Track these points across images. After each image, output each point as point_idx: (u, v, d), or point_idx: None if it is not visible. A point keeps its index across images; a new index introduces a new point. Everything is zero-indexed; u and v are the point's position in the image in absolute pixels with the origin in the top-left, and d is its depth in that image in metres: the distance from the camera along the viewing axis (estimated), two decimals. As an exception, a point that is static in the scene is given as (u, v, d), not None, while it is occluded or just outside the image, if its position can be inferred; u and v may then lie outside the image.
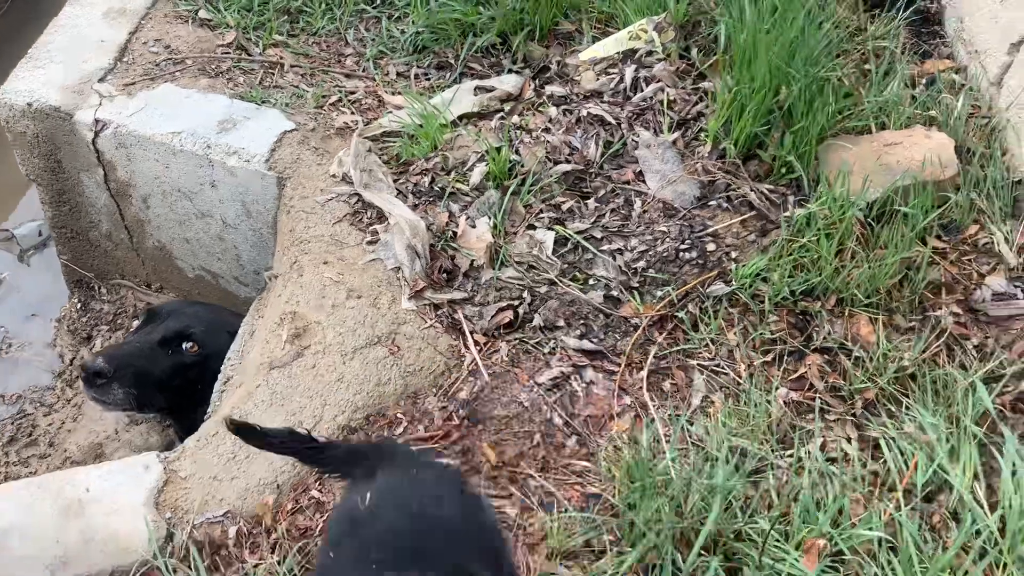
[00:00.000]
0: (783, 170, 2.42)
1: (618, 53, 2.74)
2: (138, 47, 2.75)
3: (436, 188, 2.40)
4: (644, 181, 2.44)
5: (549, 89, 2.71)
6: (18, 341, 3.03)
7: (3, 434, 2.72)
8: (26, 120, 2.53)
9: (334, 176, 2.39)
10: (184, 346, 2.27)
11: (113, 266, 2.95)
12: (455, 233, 2.28)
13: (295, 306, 2.06)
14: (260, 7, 2.94)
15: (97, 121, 2.49)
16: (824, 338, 2.14)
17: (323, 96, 2.69)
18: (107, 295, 3.00)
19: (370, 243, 2.23)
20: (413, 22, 2.93)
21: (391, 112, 2.65)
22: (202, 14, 2.91)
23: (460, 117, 2.60)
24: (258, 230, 2.55)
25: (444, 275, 2.18)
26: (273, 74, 2.76)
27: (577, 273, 2.24)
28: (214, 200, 2.53)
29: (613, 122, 2.56)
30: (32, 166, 2.66)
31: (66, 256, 2.96)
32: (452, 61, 2.86)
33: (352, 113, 2.66)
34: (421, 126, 2.53)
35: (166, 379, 2.25)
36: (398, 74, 2.85)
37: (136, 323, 2.58)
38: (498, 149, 2.42)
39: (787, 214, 2.32)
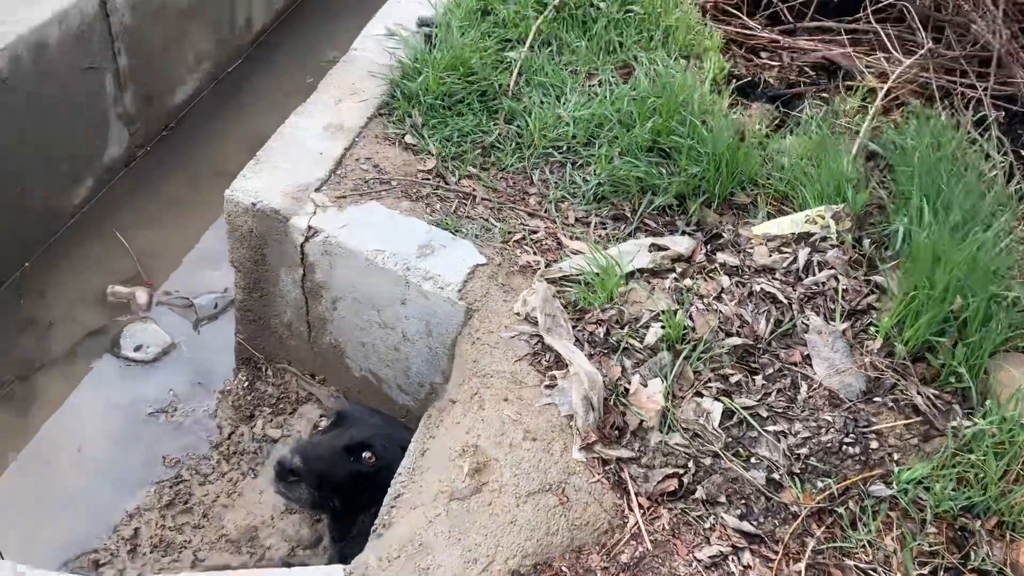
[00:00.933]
0: (951, 378, 2.46)
1: (792, 233, 2.87)
2: (351, 163, 3.02)
3: (611, 341, 2.53)
4: (811, 365, 2.51)
5: (721, 257, 2.84)
6: (183, 406, 3.25)
7: (161, 496, 2.90)
8: (247, 217, 2.79)
9: (518, 314, 2.55)
10: (364, 455, 2.42)
11: (284, 352, 3.17)
12: (627, 389, 2.39)
13: (476, 439, 2.19)
14: (459, 139, 3.20)
15: (309, 228, 2.73)
16: (983, 560, 2.14)
17: (509, 232, 2.88)
18: (273, 378, 3.20)
19: (548, 387, 2.36)
20: (595, 173, 3.13)
21: (569, 257, 2.82)
22: (408, 139, 3.18)
23: (634, 271, 2.75)
24: (434, 349, 2.72)
25: (615, 431, 2.29)
26: (466, 204, 2.98)
27: (740, 449, 2.31)
28: (400, 315, 2.72)
29: (784, 301, 2.66)
30: (239, 255, 2.92)
31: (243, 335, 3.19)
32: (628, 214, 3.04)
33: (534, 253, 2.84)
34: (599, 275, 2.69)
35: (343, 484, 2.40)
36: (577, 219, 3.04)
37: (324, 422, 2.75)
38: (673, 312, 2.54)
39: (954, 424, 2.35)
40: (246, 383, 3.19)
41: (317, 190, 2.86)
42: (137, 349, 3.40)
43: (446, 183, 3.05)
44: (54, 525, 2.83)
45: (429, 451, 2.32)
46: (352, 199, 2.88)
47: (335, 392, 3.13)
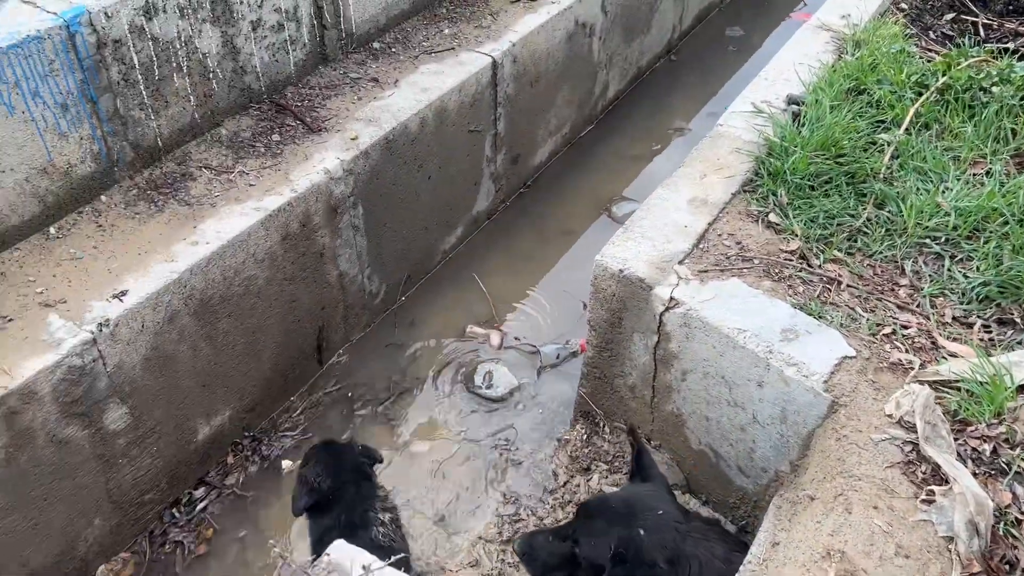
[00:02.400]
0: None
1: None
2: (714, 237, 3.06)
3: (999, 461, 2.29)
4: None
5: None
6: (523, 447, 3.47)
7: (501, 531, 3.11)
8: (612, 282, 2.94)
9: (889, 416, 2.41)
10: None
11: (622, 412, 3.27)
12: (1019, 519, 2.14)
13: (842, 544, 2.09)
14: (824, 220, 3.11)
15: (671, 299, 2.81)
16: None
17: (877, 325, 2.73)
18: (610, 435, 3.32)
19: (924, 501, 2.19)
20: (980, 270, 2.87)
21: (947, 360, 2.61)
22: (772, 217, 3.16)
23: (1025, 387, 2.47)
24: (785, 436, 2.65)
25: (1006, 565, 2.05)
26: (830, 290, 2.88)
27: None
28: (753, 397, 2.69)
29: None
30: (597, 316, 3.08)
31: (586, 390, 3.35)
32: (1018, 320, 2.74)
33: (905, 350, 2.66)
34: (985, 385, 2.45)
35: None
36: (954, 318, 2.80)
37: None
38: (1080, 442, 2.24)
39: None
40: (584, 436, 3.34)
41: (680, 262, 2.94)
42: (488, 387, 3.71)
43: (809, 266, 2.98)
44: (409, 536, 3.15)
45: (781, 545, 2.25)
46: (714, 274, 2.92)
47: (670, 460, 3.16)
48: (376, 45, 4.10)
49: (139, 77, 3.01)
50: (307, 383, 3.70)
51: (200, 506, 3.19)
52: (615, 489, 3.11)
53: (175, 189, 3.14)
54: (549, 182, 4.97)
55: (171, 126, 3.21)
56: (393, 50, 4.11)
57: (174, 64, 3.12)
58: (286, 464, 3.39)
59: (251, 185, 3.22)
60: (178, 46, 3.11)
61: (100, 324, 2.62)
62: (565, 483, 3.26)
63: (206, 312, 2.98)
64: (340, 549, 2.01)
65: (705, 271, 2.94)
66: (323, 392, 3.68)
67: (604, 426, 3.36)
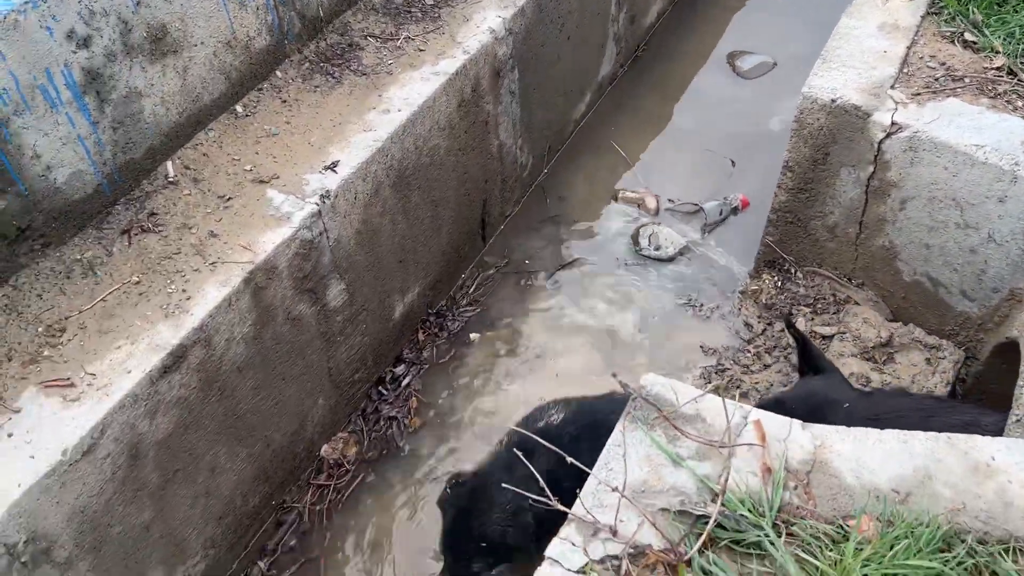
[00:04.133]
0: None
1: None
2: (915, 61, 2.93)
3: None
4: None
5: None
6: (707, 303, 3.44)
7: (709, 379, 3.10)
8: (822, 115, 2.83)
9: None
10: None
11: (815, 255, 3.21)
12: None
13: None
14: (1022, 34, 2.98)
15: (893, 123, 2.70)
16: None
17: (1111, 131, 2.63)
18: (803, 280, 3.27)
19: None
20: None
21: None
22: (967, 36, 3.02)
23: None
24: (1028, 251, 2.59)
25: None
26: (1051, 102, 2.77)
27: None
28: (991, 214, 2.62)
29: None
30: (798, 154, 2.98)
31: (773, 237, 3.28)
32: None
33: None
34: None
35: None
36: None
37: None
38: None
39: None
40: (778, 283, 3.29)
41: (892, 87, 2.82)
42: (656, 248, 3.64)
43: (1020, 81, 2.86)
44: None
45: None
46: (928, 96, 2.80)
47: (874, 297, 3.12)
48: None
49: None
50: (474, 260, 3.64)
51: (404, 382, 3.18)
52: (829, 327, 3.08)
53: (346, 60, 3.00)
54: (661, 42, 4.78)
55: (328, -6, 3.05)
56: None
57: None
58: (474, 336, 3.37)
59: (421, 50, 3.07)
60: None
61: (322, 196, 2.54)
62: (763, 331, 3.24)
63: (402, 183, 2.89)
64: (654, 381, 1.97)
65: (918, 94, 2.82)
66: (493, 268, 3.62)
67: (795, 271, 3.31)
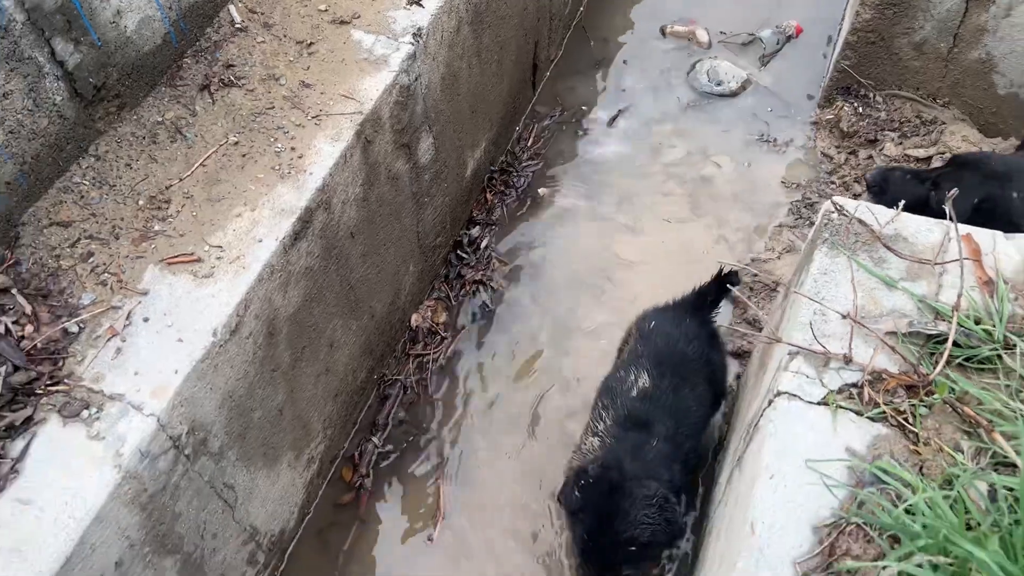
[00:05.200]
0: None
1: None
2: None
3: None
4: None
5: None
6: (780, 136, 3.29)
7: (799, 213, 3.00)
8: (927, -85, 2.62)
9: None
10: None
11: (897, 77, 3.07)
12: None
13: None
14: None
15: (1008, -80, 2.51)
16: None
17: None
18: (883, 104, 3.14)
19: None
20: None
21: None
22: None
23: None
24: None
25: None
26: None
27: None
28: (1113, 12, 2.50)
29: None
30: (892, -36, 2.78)
31: (850, 61, 3.11)
32: None
33: None
34: None
35: None
36: None
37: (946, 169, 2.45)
38: None
39: None
40: (859, 109, 3.15)
41: None
42: (718, 83, 3.45)
43: None
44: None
45: None
46: None
47: (960, 115, 3.02)
48: None
49: None
50: (526, 111, 3.40)
51: (483, 243, 2.99)
52: (923, 150, 2.99)
53: None
54: None
55: None
56: None
57: None
58: (542, 191, 3.17)
59: None
60: None
61: (415, 34, 2.25)
62: (846, 160, 3.12)
63: (477, 21, 2.61)
64: (845, 203, 1.84)
65: None
66: (548, 119, 3.39)
67: (874, 96, 3.17)
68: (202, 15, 2.17)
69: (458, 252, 2.97)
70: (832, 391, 1.60)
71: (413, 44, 2.24)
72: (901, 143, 3.05)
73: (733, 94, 3.44)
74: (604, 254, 2.99)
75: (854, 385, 1.61)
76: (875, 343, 1.64)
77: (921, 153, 2.97)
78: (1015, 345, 1.61)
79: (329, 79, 2.15)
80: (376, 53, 2.21)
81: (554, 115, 3.40)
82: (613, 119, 3.38)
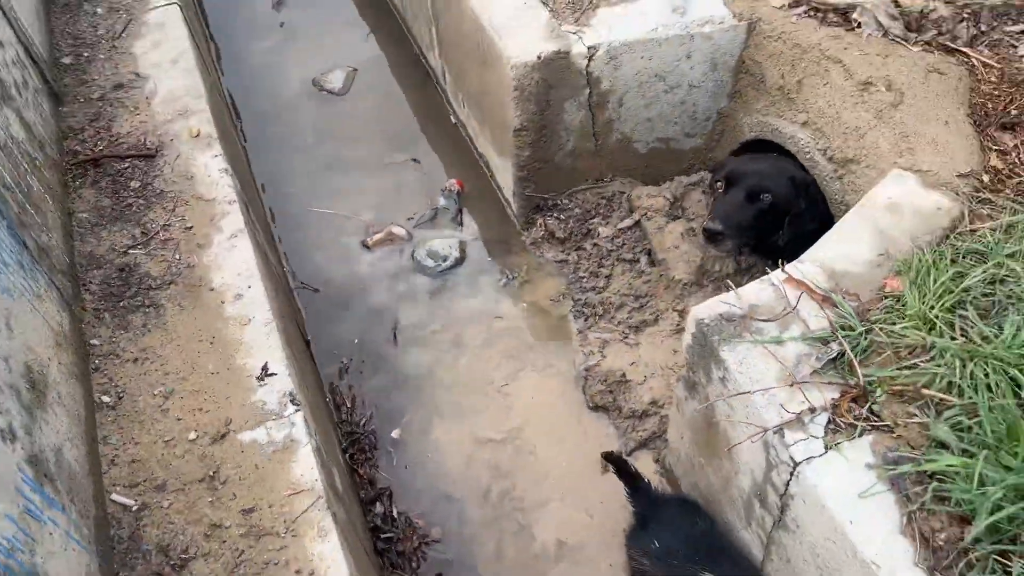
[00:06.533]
0: None
1: None
2: (549, -2, 3.48)
3: None
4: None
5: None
6: (516, 275, 3.75)
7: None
8: (535, 72, 3.24)
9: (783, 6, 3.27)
10: (762, 197, 3.05)
11: (570, 180, 3.71)
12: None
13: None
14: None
15: (588, 48, 3.24)
16: None
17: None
18: (571, 203, 3.76)
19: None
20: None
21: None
22: (554, -37, 3.64)
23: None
24: (719, 80, 3.41)
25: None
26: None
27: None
28: (685, 69, 3.36)
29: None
30: (526, 112, 3.36)
31: (529, 188, 3.70)
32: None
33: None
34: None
35: (751, 224, 3.07)
36: None
37: (717, 183, 3.23)
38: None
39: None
40: (558, 216, 3.73)
41: (559, 25, 3.34)
42: (444, 259, 3.81)
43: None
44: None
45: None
46: (588, 12, 3.38)
47: (628, 181, 3.75)
48: None
49: None
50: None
51: None
52: (629, 220, 3.62)
53: None
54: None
55: None
56: None
57: None
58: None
59: None
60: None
61: None
62: (579, 258, 3.69)
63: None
64: (707, 306, 2.30)
65: (582, 13, 3.38)
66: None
67: (561, 200, 3.77)
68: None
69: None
70: (824, 438, 2.05)
71: None
72: (607, 222, 3.69)
73: (461, 261, 3.83)
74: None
75: (830, 423, 2.07)
76: (813, 387, 2.12)
77: (628, 223, 3.64)
78: (876, 323, 2.20)
79: None
80: None
81: (344, 370, 3.50)
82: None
